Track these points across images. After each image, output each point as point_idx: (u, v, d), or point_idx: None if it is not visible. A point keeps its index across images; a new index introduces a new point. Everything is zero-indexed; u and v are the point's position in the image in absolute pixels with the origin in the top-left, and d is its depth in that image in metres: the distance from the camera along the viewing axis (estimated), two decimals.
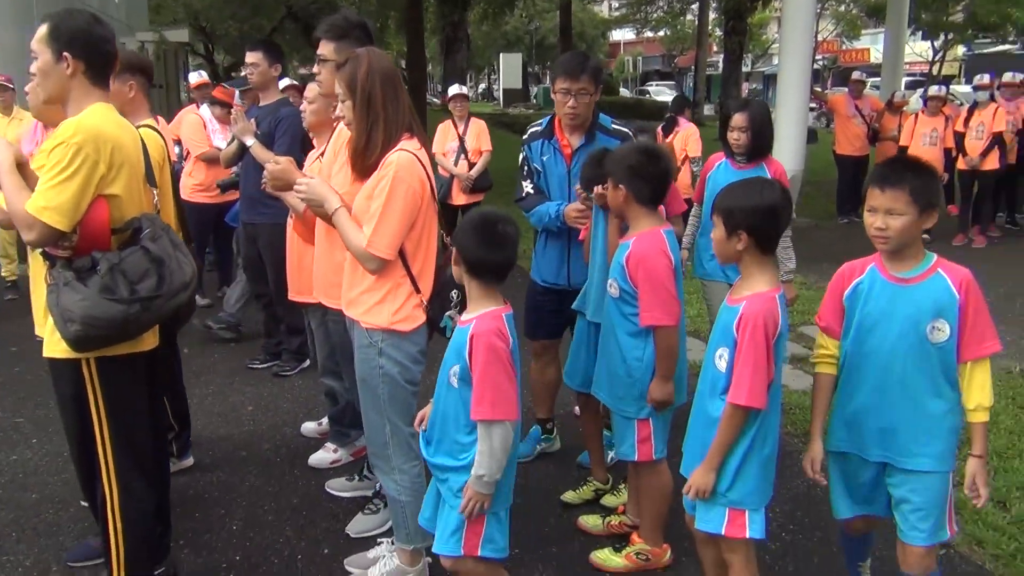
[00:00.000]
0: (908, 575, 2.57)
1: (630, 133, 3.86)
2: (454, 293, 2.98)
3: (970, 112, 9.38)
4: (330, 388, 4.12)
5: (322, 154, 3.83)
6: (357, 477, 3.88)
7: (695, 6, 32.58)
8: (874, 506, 2.65)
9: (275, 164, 3.22)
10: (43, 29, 2.62)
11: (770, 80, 40.77)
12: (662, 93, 43.70)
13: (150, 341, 2.78)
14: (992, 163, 9.11)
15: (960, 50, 33.63)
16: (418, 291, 2.89)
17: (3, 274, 7.40)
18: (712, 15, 32.37)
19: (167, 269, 2.64)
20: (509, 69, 40.45)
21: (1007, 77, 9.78)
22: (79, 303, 2.49)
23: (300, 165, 3.56)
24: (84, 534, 3.50)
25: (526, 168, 3.91)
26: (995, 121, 9.02)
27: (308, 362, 5.45)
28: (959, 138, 9.32)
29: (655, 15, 38.66)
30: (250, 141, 4.87)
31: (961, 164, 9.29)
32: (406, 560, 3.10)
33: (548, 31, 47.38)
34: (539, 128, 3.92)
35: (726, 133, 3.96)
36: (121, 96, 3.75)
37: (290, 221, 4.07)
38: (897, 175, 2.42)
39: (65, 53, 2.60)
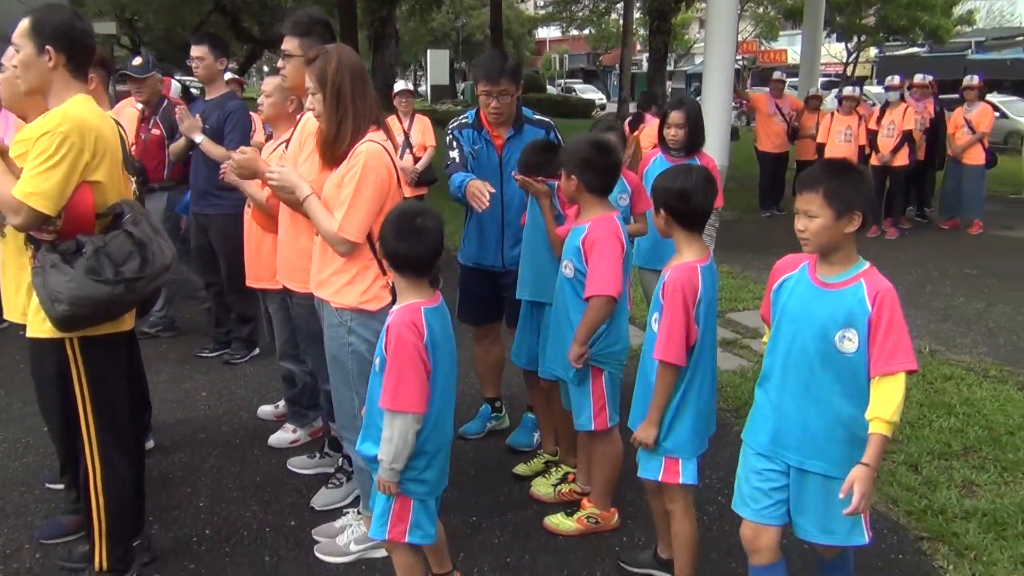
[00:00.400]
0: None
1: (551, 123, 4.12)
2: None
3: (882, 111, 9.92)
4: (288, 372, 4.28)
5: (283, 144, 3.98)
6: (318, 455, 4.04)
7: (620, 5, 33.11)
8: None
9: (241, 154, 3.38)
10: (25, 23, 2.74)
11: (692, 79, 41.74)
12: (588, 91, 44.58)
13: (129, 322, 2.93)
14: (902, 160, 9.67)
15: (872, 52, 35.04)
16: (384, 273, 3.07)
17: None
18: (636, 15, 33.00)
19: (149, 251, 2.79)
20: (436, 65, 40.44)
21: (917, 78, 10.38)
22: (66, 284, 2.63)
23: None
24: (52, 514, 3.59)
25: (455, 143, 4.02)
26: (905, 120, 9.58)
27: (258, 350, 5.57)
28: (872, 136, 9.87)
29: (580, 13, 39.27)
30: (199, 138, 4.98)
31: (874, 160, 9.81)
32: None
33: (475, 28, 47.60)
34: (466, 120, 4.07)
35: (662, 130, 4.22)
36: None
37: (247, 210, 4.21)
38: (812, 178, 2.45)
39: (48, 47, 2.72)
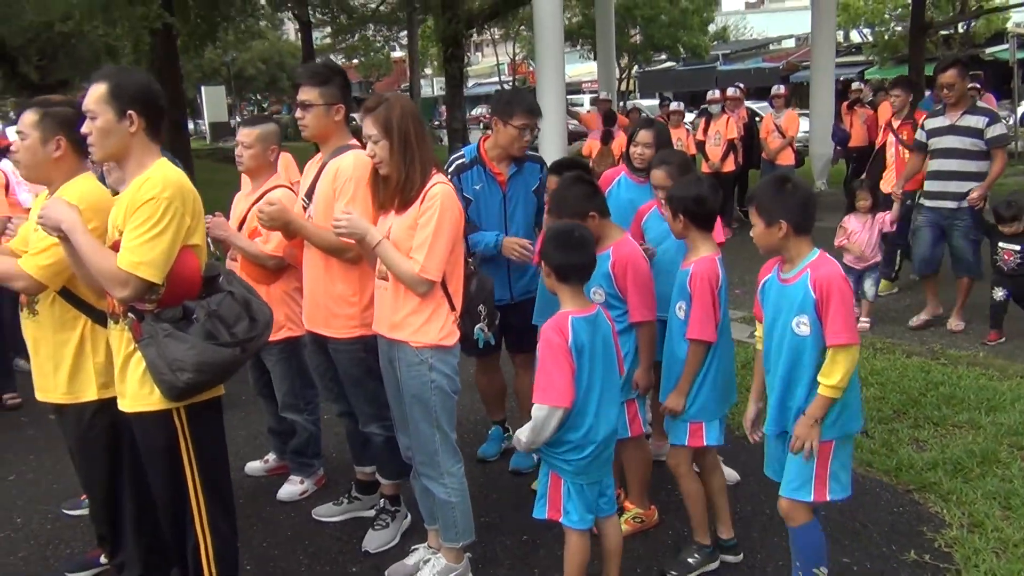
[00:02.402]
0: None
1: (543, 159, 4.36)
2: (481, 308, 3.33)
3: (706, 123, 10.89)
4: (290, 423, 4.21)
5: (263, 194, 3.93)
6: (345, 500, 4.02)
7: (403, 35, 33.51)
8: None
9: (269, 205, 3.37)
10: (102, 88, 2.64)
11: (473, 101, 42.81)
12: None
13: (222, 386, 2.86)
14: (730, 166, 10.66)
15: (634, 68, 37.65)
16: (453, 308, 3.20)
17: None
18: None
19: (253, 310, 2.76)
20: (212, 102, 38.83)
21: (729, 91, 11.44)
22: (188, 352, 2.57)
23: None
24: None
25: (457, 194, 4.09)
26: (728, 129, 10.58)
27: None
28: (700, 145, 10.81)
29: (349, 42, 38.94)
30: None
31: (704, 168, 10.74)
32: (452, 558, 3.37)
33: (245, 61, 46.24)
34: (463, 160, 4.13)
35: (628, 149, 4.47)
36: None
37: (232, 263, 4.10)
38: (752, 193, 3.02)
39: (130, 111, 2.64)
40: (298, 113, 3.56)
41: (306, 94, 3.51)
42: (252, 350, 2.77)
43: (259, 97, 52.30)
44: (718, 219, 3.56)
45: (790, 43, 40.03)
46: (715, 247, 3.39)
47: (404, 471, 3.71)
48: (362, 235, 3.11)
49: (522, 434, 2.90)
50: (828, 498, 2.93)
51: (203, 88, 40.00)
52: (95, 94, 2.64)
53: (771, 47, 40.51)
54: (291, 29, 50.51)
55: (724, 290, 3.34)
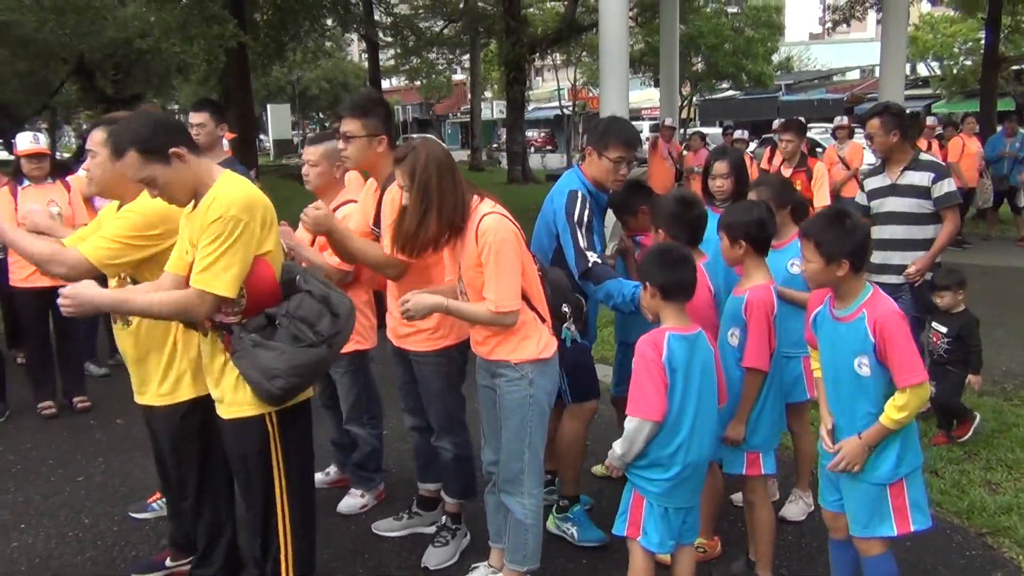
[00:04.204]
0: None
1: None
2: (564, 308, 3.33)
3: (772, 152, 10.78)
4: (352, 437, 4.25)
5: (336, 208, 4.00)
6: (405, 516, 4.03)
7: (466, 59, 33.93)
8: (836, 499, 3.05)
9: (315, 209, 3.39)
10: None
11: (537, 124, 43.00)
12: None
13: (311, 390, 2.91)
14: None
15: (695, 96, 37.57)
16: (543, 319, 3.20)
17: None
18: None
19: (332, 304, 2.80)
20: (278, 120, 39.72)
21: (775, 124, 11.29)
22: (279, 358, 2.62)
23: None
24: None
25: (584, 227, 3.63)
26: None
27: None
28: (765, 174, 10.71)
29: (412, 64, 39.40)
30: None
31: None
32: None
33: (310, 81, 47.22)
34: (581, 192, 3.72)
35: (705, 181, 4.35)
36: None
37: None
38: (807, 227, 2.90)
39: (173, 150, 2.70)
40: (340, 144, 3.61)
41: (348, 125, 3.56)
42: (338, 345, 2.82)
43: (322, 116, 53.31)
44: None
45: (855, 74, 39.61)
46: (769, 275, 3.36)
47: (469, 490, 3.74)
48: (431, 311, 3.10)
49: (617, 446, 2.95)
50: (912, 528, 2.89)
51: (269, 106, 40.90)
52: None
53: (835, 78, 40.10)
54: (355, 50, 51.66)
55: (777, 319, 3.32)
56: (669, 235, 3.48)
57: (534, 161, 31.23)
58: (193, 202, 2.76)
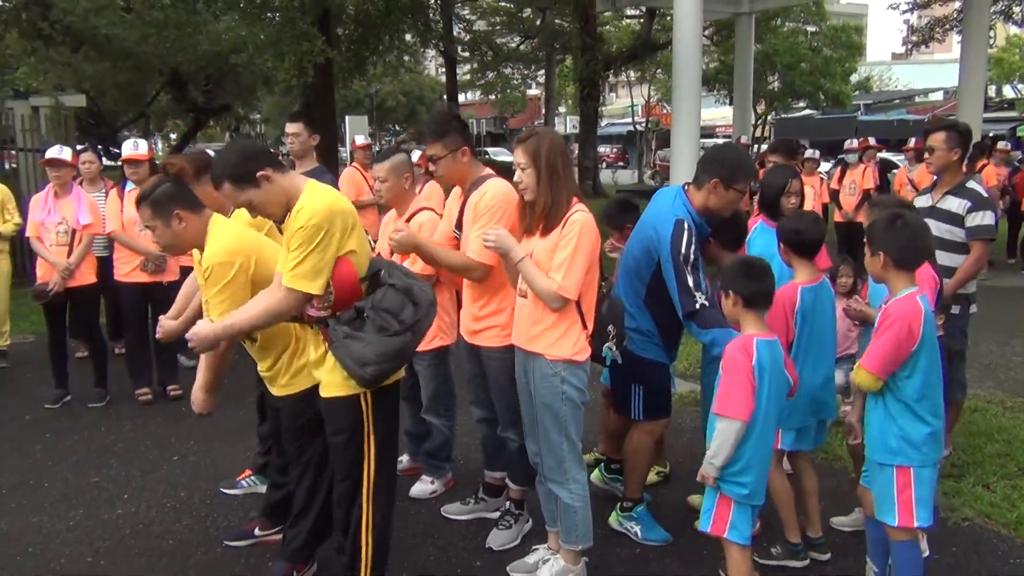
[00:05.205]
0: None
1: None
2: (610, 328, 3.59)
3: (842, 172, 10.85)
4: (428, 426, 4.57)
5: (408, 218, 4.33)
6: (472, 501, 4.33)
7: (540, 75, 34.32)
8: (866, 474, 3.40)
9: (397, 232, 3.72)
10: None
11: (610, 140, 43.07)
12: (500, 153, 45.71)
13: (402, 371, 3.23)
14: (863, 216, 10.56)
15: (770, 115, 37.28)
16: (585, 327, 3.47)
17: None
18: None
19: (414, 294, 3.10)
20: (356, 131, 40.47)
21: (871, 141, 11.35)
22: (367, 348, 2.94)
23: None
24: (250, 568, 3.84)
25: (691, 265, 3.66)
26: (864, 179, 10.51)
27: None
28: (834, 194, 10.78)
29: (488, 79, 40.04)
30: None
31: (837, 217, 10.70)
32: (571, 560, 3.62)
33: (387, 94, 48.32)
34: (689, 222, 3.72)
35: (769, 198, 4.38)
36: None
37: None
38: (869, 223, 3.28)
39: (256, 176, 3.01)
40: (431, 167, 3.93)
41: (432, 149, 3.87)
42: (421, 331, 3.11)
43: (397, 128, 54.39)
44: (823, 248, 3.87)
45: (938, 96, 38.79)
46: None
47: (532, 478, 4.00)
48: (507, 251, 3.41)
49: (711, 457, 3.14)
50: (915, 524, 3.09)
51: (347, 117, 41.88)
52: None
53: (917, 99, 39.32)
54: (431, 64, 52.57)
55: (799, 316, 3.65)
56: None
57: (605, 176, 31.41)
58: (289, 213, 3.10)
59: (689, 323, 3.70)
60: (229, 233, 3.35)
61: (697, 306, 3.62)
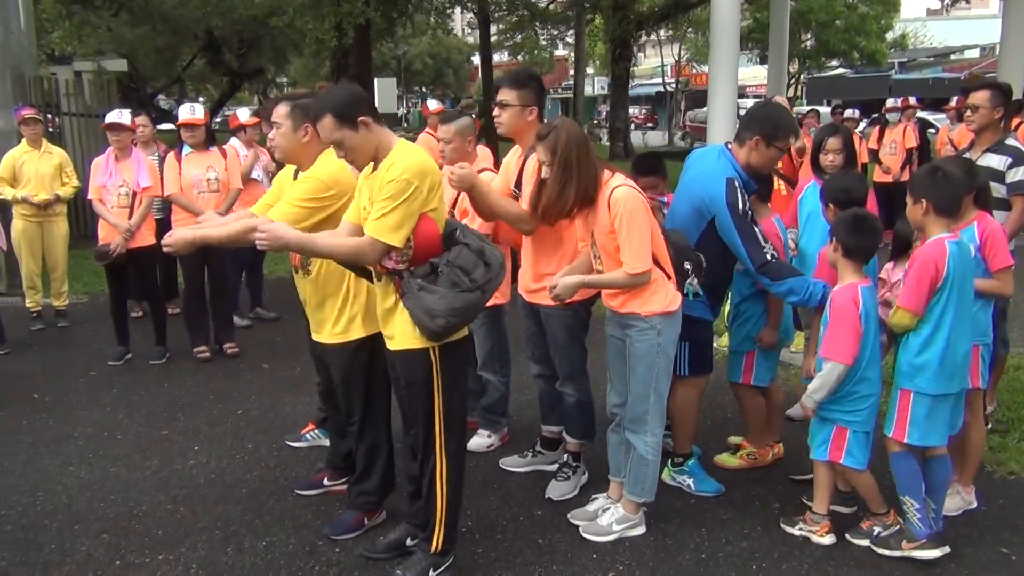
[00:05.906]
0: None
1: None
2: (687, 265, 3.69)
3: (881, 131, 10.81)
4: (486, 382, 4.73)
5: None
6: (530, 454, 4.50)
7: (570, 35, 34.04)
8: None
9: (460, 167, 3.75)
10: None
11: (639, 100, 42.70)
12: None
13: (467, 328, 3.36)
14: (906, 175, 10.53)
15: (803, 74, 36.76)
16: (669, 276, 3.59)
17: (28, 304, 7.48)
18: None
19: (486, 256, 3.23)
20: (384, 93, 40.30)
21: (912, 100, 11.26)
22: (439, 301, 3.07)
23: None
24: (321, 516, 4.01)
25: (751, 220, 3.81)
26: (906, 138, 10.46)
27: None
28: (874, 154, 10.74)
29: (516, 40, 39.77)
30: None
31: (878, 177, 10.68)
32: (632, 509, 3.77)
33: (414, 56, 48.14)
34: (739, 181, 3.84)
35: (818, 157, 4.54)
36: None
37: None
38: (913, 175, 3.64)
39: (358, 118, 3.12)
40: (496, 111, 4.02)
41: (504, 95, 3.97)
42: (490, 291, 3.23)
43: (424, 90, 54.24)
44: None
45: (974, 53, 38.02)
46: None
47: (589, 432, 4.17)
48: (576, 289, 3.58)
49: (812, 392, 3.52)
50: (905, 440, 3.48)
51: (376, 79, 41.82)
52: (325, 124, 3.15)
53: (952, 57, 38.57)
54: (457, 25, 52.21)
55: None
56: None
57: (635, 138, 31.25)
58: (372, 164, 3.21)
59: (762, 275, 3.82)
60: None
61: (769, 257, 3.76)
